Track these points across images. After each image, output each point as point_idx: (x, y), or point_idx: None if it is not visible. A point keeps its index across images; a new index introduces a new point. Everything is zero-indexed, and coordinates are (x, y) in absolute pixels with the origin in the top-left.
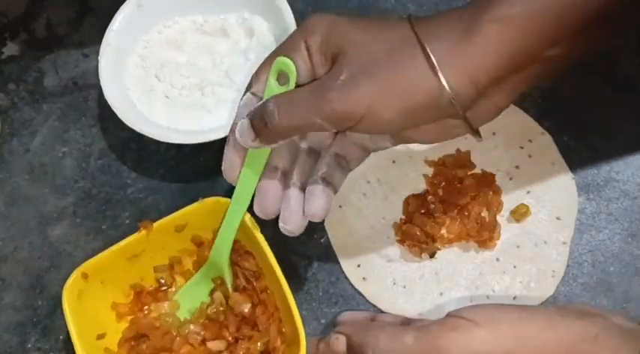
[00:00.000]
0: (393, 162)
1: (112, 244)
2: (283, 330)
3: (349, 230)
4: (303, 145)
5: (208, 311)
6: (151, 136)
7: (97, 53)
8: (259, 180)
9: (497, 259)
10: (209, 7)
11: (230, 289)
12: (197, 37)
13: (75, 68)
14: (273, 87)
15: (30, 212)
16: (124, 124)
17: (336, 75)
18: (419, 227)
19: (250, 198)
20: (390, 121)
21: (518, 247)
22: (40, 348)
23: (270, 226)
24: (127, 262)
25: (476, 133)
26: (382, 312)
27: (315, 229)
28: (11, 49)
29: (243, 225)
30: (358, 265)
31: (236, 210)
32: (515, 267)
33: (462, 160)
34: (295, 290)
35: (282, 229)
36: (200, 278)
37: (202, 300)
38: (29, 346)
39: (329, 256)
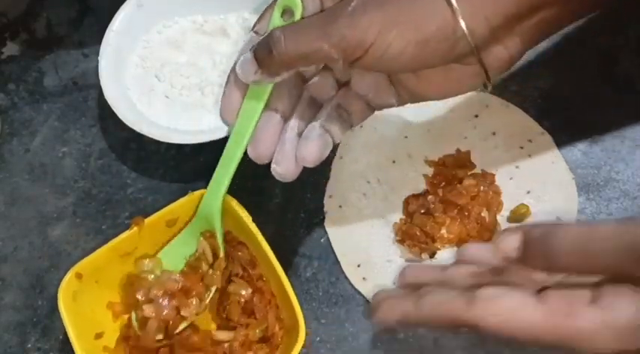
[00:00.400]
0: (393, 162)
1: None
2: (281, 316)
3: (349, 230)
4: (305, 94)
5: (190, 260)
6: (151, 136)
7: (97, 53)
8: (257, 122)
9: None
10: (209, 7)
11: (220, 243)
12: (197, 37)
13: (75, 68)
14: (276, 21)
15: (30, 212)
16: (124, 124)
17: (346, 2)
18: (419, 227)
19: (247, 140)
20: (400, 53)
21: None
22: (40, 348)
23: (270, 225)
24: (121, 260)
25: (489, 80)
26: None
27: (315, 229)
28: (11, 49)
29: (234, 215)
30: (358, 265)
31: (232, 152)
32: None
33: (462, 160)
34: (295, 290)
35: (273, 172)
36: (186, 235)
37: (188, 255)
38: (29, 346)
39: (329, 256)
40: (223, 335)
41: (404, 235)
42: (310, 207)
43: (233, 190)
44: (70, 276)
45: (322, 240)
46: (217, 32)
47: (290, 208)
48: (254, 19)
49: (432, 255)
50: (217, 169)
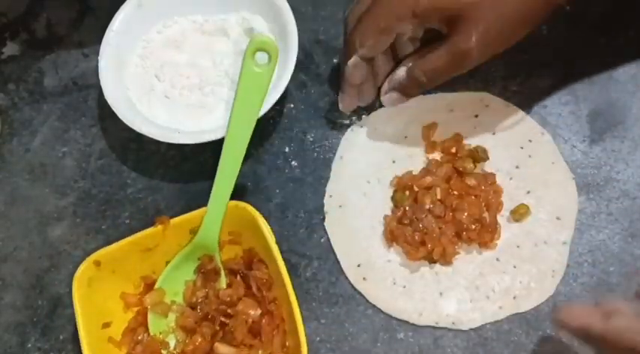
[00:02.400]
0: (393, 162)
1: (111, 243)
2: (287, 343)
3: (349, 230)
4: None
5: (194, 299)
6: (151, 136)
7: (97, 53)
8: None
9: (498, 259)
10: (209, 7)
11: (220, 266)
12: (197, 37)
13: (75, 68)
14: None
15: (30, 212)
16: (124, 124)
17: None
18: (412, 228)
19: (241, 160)
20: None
21: (518, 247)
22: (40, 348)
23: (270, 226)
24: (141, 254)
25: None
26: (382, 312)
27: (315, 229)
28: (11, 49)
29: (259, 233)
30: (358, 265)
31: (227, 172)
32: (515, 267)
33: (476, 154)
34: (295, 290)
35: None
36: (183, 259)
37: (187, 279)
38: (29, 346)
39: (329, 256)
40: (225, 350)
41: (396, 236)
42: (310, 207)
43: (233, 189)
44: (88, 262)
45: (322, 240)
46: (217, 32)
47: (290, 208)
48: (254, 19)
49: (431, 261)
50: (213, 194)
